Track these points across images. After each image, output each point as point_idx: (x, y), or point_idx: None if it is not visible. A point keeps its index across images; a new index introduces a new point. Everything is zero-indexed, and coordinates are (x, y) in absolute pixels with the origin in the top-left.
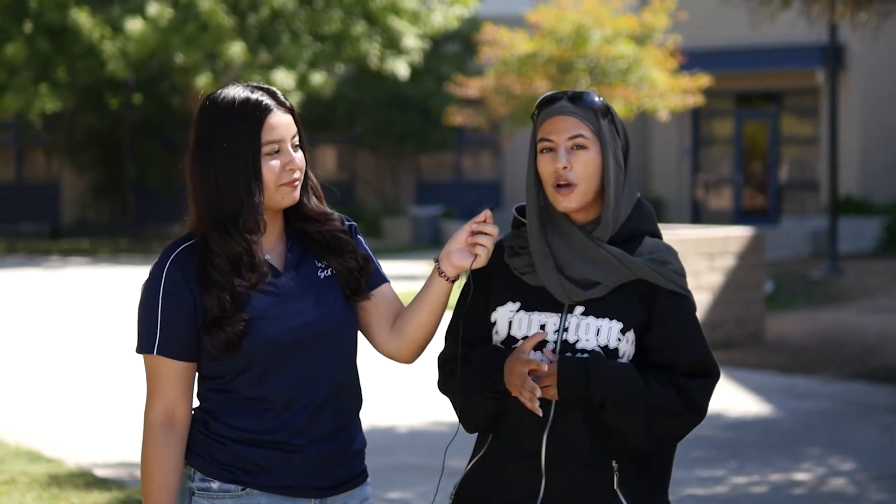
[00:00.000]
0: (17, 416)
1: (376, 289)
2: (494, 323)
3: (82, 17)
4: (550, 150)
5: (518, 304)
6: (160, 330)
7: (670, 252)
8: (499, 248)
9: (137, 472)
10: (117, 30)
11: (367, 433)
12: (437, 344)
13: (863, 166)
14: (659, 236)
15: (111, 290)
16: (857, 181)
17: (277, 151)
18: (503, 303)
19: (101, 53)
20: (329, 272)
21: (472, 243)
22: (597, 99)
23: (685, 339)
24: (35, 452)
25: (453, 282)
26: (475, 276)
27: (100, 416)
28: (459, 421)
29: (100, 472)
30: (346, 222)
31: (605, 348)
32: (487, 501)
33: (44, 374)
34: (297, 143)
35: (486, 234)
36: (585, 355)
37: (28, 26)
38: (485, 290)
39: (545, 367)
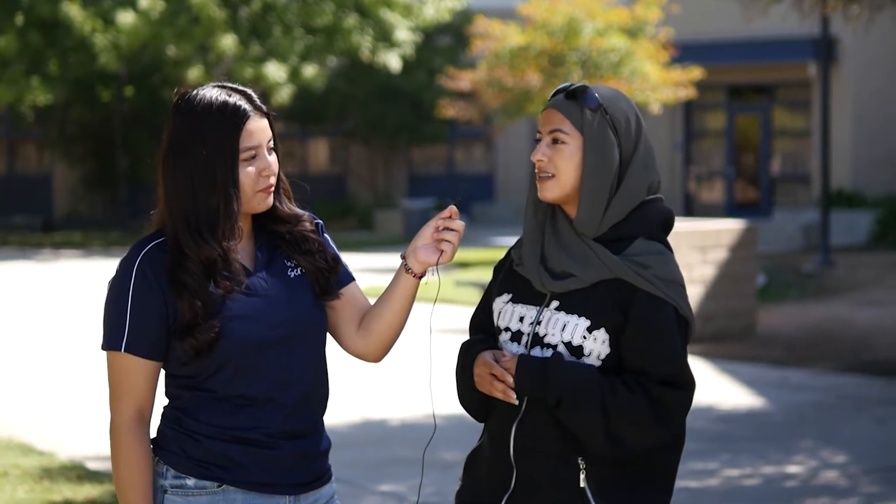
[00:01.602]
0: (8, 409)
1: (344, 287)
2: (493, 312)
3: (74, 10)
4: (539, 140)
5: (510, 296)
6: (129, 328)
7: (659, 256)
8: (519, 241)
9: None
10: (109, 22)
11: (362, 426)
12: (426, 338)
13: (855, 159)
14: (658, 239)
15: (103, 283)
16: (849, 174)
17: (254, 157)
18: (501, 294)
19: (92, 46)
20: (299, 271)
21: (438, 239)
22: (595, 95)
23: (659, 345)
24: (27, 445)
25: (420, 278)
26: (495, 267)
27: (92, 409)
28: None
29: (92, 465)
30: (314, 220)
31: (569, 345)
32: (478, 490)
33: (36, 367)
34: (272, 146)
35: (451, 229)
36: (550, 349)
37: (19, 19)
38: (496, 279)
39: (496, 369)
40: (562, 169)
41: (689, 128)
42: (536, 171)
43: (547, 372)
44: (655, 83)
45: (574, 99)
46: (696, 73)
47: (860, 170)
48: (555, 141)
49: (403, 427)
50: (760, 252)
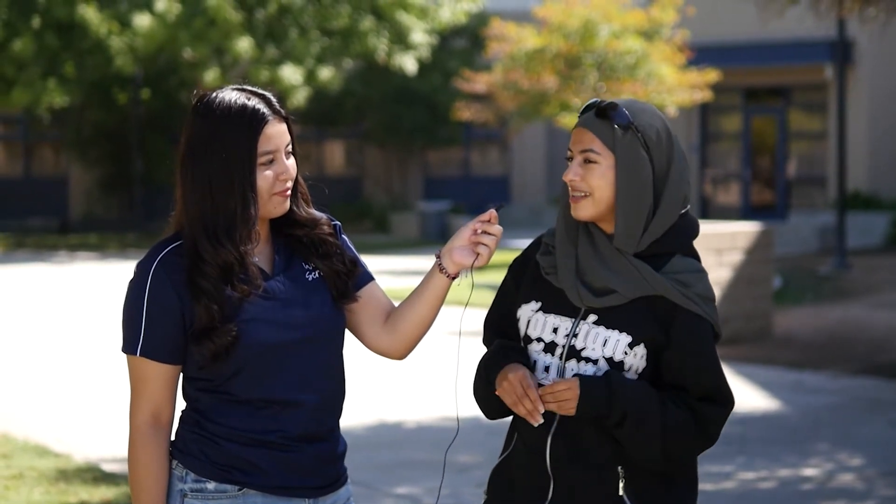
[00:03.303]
0: (24, 411)
1: (362, 288)
2: (519, 319)
3: (90, 13)
4: (571, 159)
5: (539, 304)
6: (144, 332)
7: (698, 274)
8: (536, 242)
9: None
10: (125, 25)
11: (376, 428)
12: (442, 341)
13: (871, 162)
14: (693, 255)
15: (119, 285)
16: (866, 176)
17: (272, 161)
18: (527, 301)
19: (108, 49)
20: (317, 274)
21: (475, 242)
22: (625, 112)
23: (700, 363)
24: (43, 447)
25: (453, 279)
26: (512, 267)
27: (108, 410)
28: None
29: (108, 467)
30: (332, 222)
31: (611, 360)
32: (510, 500)
33: (52, 369)
34: (290, 150)
35: (490, 234)
36: (589, 364)
37: (36, 21)
38: (518, 281)
39: (532, 394)
40: (596, 188)
41: (704, 130)
42: (570, 190)
43: (612, 391)
44: (671, 85)
45: (604, 117)
46: (712, 75)
47: (876, 172)
48: (586, 160)
49: (419, 429)
50: (776, 254)
